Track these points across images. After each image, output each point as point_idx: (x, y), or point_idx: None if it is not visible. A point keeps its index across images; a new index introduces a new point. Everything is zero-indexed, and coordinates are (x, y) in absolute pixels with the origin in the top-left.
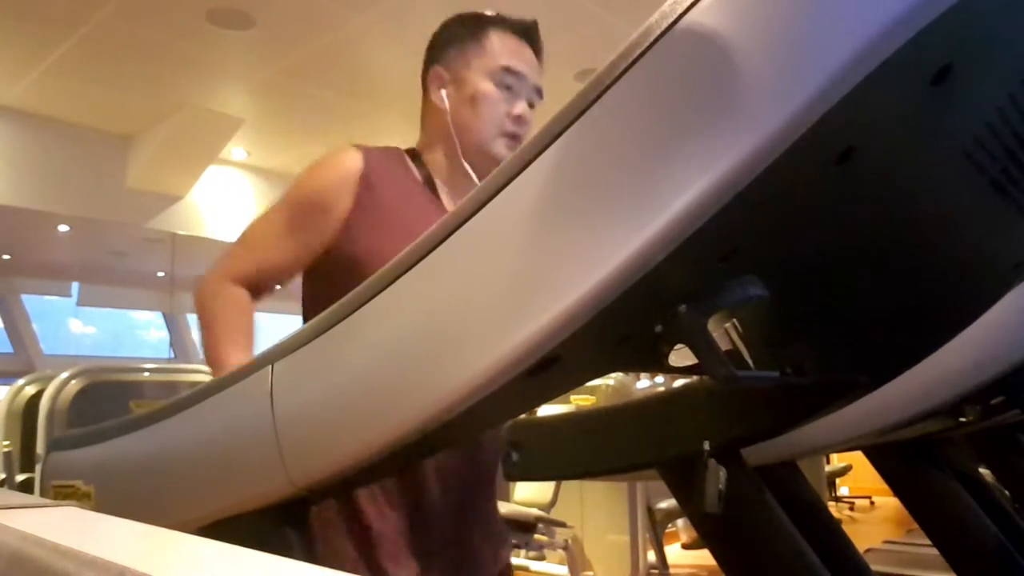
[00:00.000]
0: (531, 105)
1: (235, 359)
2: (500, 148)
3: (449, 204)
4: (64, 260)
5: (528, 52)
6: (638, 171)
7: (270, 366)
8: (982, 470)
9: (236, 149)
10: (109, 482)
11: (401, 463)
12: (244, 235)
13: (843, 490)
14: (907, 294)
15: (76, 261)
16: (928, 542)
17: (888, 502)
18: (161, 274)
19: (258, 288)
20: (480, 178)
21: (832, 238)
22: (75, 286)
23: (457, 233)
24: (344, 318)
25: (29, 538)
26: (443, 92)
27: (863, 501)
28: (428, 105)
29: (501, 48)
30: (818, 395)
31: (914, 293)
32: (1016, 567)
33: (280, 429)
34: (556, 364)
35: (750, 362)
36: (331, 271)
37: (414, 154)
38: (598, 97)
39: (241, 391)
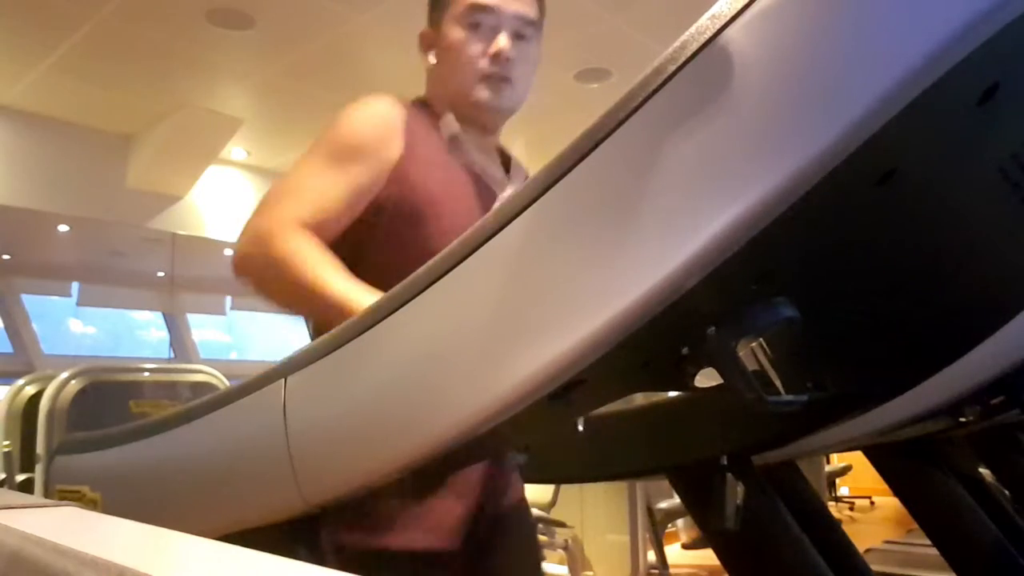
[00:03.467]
0: (520, 36)
1: (343, 290)
2: (481, 93)
3: (472, 155)
4: (64, 260)
5: None
6: (674, 192)
7: (283, 379)
8: (982, 470)
9: (236, 149)
10: (116, 489)
11: (416, 481)
12: (288, 184)
13: (843, 490)
14: (933, 309)
15: (76, 261)
16: (928, 542)
17: (888, 502)
18: (161, 274)
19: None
20: (472, 128)
21: (866, 257)
22: (75, 286)
23: (483, 248)
24: (361, 332)
25: (29, 538)
26: (431, 54)
27: (863, 501)
28: (426, 66)
29: None
30: (835, 407)
31: (940, 307)
32: (1016, 567)
33: (293, 445)
34: (579, 387)
35: (778, 383)
36: (387, 224)
37: (424, 101)
38: (631, 114)
39: (253, 404)
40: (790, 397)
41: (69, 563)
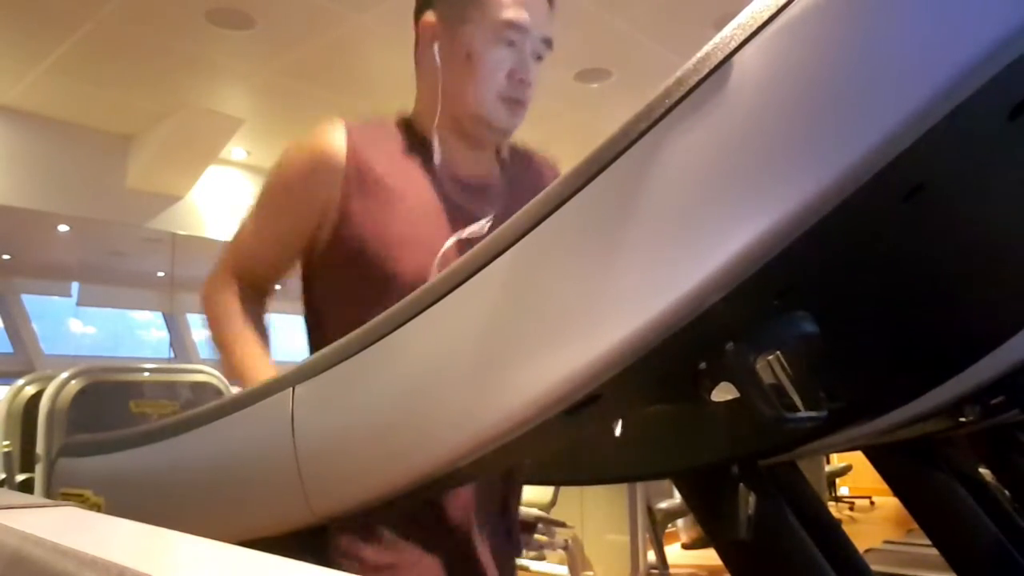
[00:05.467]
0: (539, 57)
1: (241, 355)
2: (499, 114)
3: (448, 170)
4: (64, 260)
5: None
6: (698, 207)
7: (291, 388)
8: (982, 470)
9: (236, 149)
10: (118, 494)
11: (429, 494)
12: (235, 233)
13: (843, 490)
14: (950, 317)
15: (76, 261)
16: (928, 542)
17: (888, 502)
18: (161, 274)
19: (257, 286)
20: (475, 146)
21: (888, 270)
22: (75, 286)
23: (500, 258)
24: (373, 343)
25: (29, 538)
26: (436, 46)
27: (863, 501)
28: (419, 57)
29: None
30: (846, 414)
31: (957, 316)
32: (1016, 567)
33: (301, 456)
34: (595, 402)
35: (795, 398)
36: (334, 261)
37: (407, 120)
38: (653, 125)
39: (260, 412)
40: (811, 414)
41: (69, 563)
